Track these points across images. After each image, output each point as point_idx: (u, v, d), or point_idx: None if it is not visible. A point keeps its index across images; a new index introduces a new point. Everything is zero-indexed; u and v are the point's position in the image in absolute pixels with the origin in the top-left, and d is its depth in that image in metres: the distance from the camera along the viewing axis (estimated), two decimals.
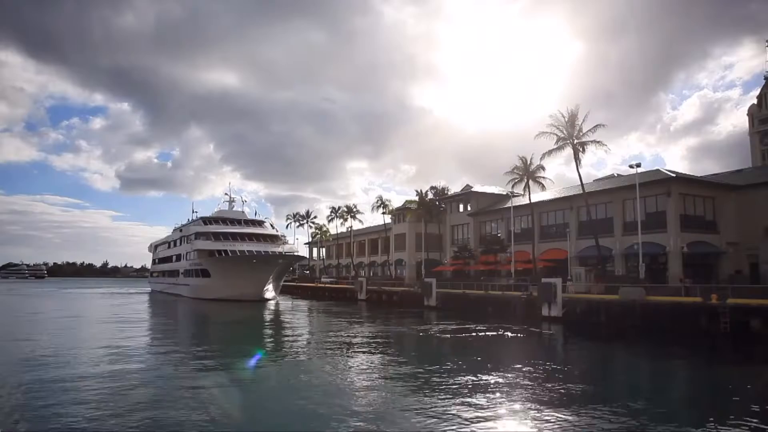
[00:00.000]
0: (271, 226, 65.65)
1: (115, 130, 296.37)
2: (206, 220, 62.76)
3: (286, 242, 65.54)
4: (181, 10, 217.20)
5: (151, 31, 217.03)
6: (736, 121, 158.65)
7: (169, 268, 74.86)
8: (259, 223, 63.93)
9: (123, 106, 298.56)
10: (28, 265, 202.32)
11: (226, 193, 69.61)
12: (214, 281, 55.16)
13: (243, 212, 66.31)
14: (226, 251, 55.50)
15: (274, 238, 61.81)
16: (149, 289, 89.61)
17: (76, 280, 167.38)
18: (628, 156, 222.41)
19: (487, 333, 26.99)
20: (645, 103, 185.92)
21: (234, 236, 58.56)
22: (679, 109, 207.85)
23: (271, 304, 52.13)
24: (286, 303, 57.21)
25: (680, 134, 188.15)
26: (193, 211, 73.08)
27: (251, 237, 59.63)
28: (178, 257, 69.43)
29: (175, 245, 73.16)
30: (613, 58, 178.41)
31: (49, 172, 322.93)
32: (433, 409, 11.82)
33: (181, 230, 70.94)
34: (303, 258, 73.52)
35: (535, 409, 11.91)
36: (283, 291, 79.39)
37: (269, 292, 55.79)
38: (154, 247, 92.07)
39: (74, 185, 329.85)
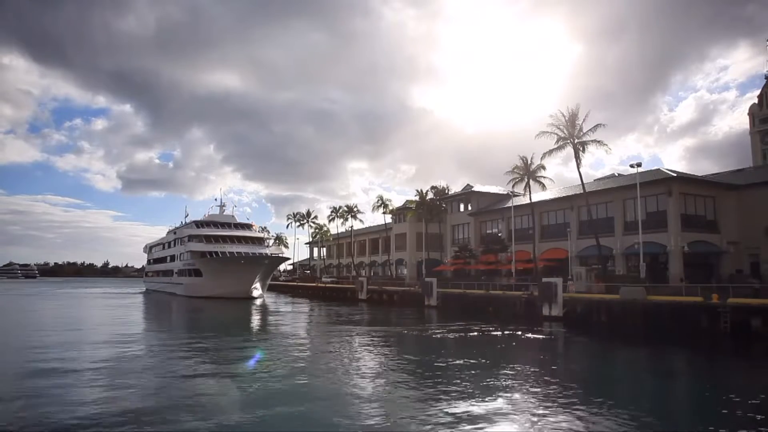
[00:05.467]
0: (263, 229, 70.64)
1: (117, 131, 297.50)
2: (198, 224, 66.58)
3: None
4: (181, 13, 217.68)
5: (151, 33, 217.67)
6: (732, 122, 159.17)
7: (163, 268, 78.50)
8: (248, 227, 68.54)
9: (125, 107, 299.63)
10: (20, 265, 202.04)
11: (216, 198, 73.28)
12: (206, 280, 58.90)
13: (233, 216, 70.81)
14: (216, 252, 59.62)
15: (260, 241, 66.51)
16: (144, 288, 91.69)
17: (74, 280, 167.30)
18: (626, 156, 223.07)
19: (488, 333, 26.98)
20: (643, 104, 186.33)
21: (224, 239, 63.01)
22: (676, 111, 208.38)
23: (258, 302, 54.91)
24: (286, 303, 57.63)
25: (677, 135, 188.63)
26: (186, 214, 76.15)
27: (240, 239, 64.02)
28: (172, 258, 73.23)
29: (169, 247, 77.32)
30: (611, 59, 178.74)
31: (51, 172, 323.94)
32: (433, 409, 11.82)
33: (174, 233, 74.91)
34: (287, 259, 79.01)
35: (535, 409, 11.91)
36: (284, 291, 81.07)
37: (257, 290, 59.39)
38: (149, 248, 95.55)
39: (76, 186, 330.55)
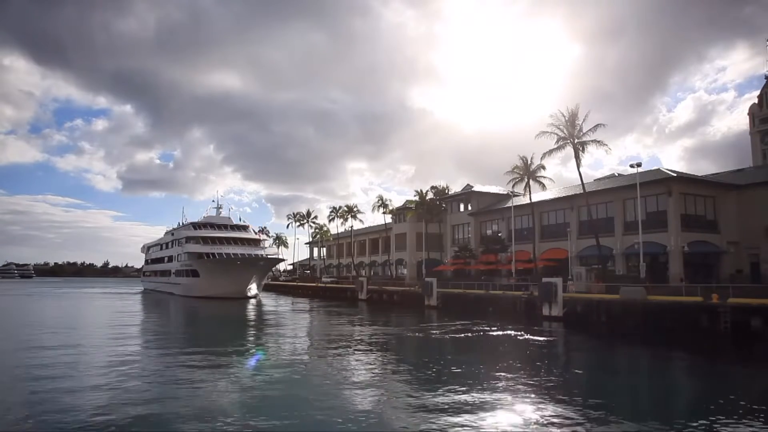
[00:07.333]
0: (262, 229, 72.97)
1: (117, 131, 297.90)
2: (196, 225, 68.06)
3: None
4: (181, 13, 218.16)
5: (152, 34, 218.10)
6: (730, 122, 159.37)
7: (161, 269, 79.74)
8: (244, 228, 69.93)
9: (125, 108, 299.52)
10: (17, 265, 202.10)
11: (213, 200, 74.00)
12: (203, 281, 60.09)
13: (229, 218, 72.10)
14: (213, 254, 61.04)
15: (256, 242, 68.02)
16: (142, 288, 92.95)
17: (74, 280, 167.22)
18: (625, 157, 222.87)
19: (488, 333, 27.00)
20: (641, 104, 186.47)
21: (221, 240, 64.51)
22: (674, 111, 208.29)
23: (254, 301, 56.65)
24: (286, 303, 57.64)
25: (676, 135, 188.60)
26: (183, 216, 77.21)
27: (236, 241, 65.63)
28: (170, 258, 74.51)
29: (167, 247, 78.85)
30: (610, 60, 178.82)
31: (52, 173, 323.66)
32: (433, 409, 11.82)
33: (172, 234, 76.52)
34: (283, 260, 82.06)
35: (535, 409, 11.91)
36: (284, 291, 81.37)
37: (252, 290, 61.23)
38: (147, 249, 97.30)
39: (77, 186, 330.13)
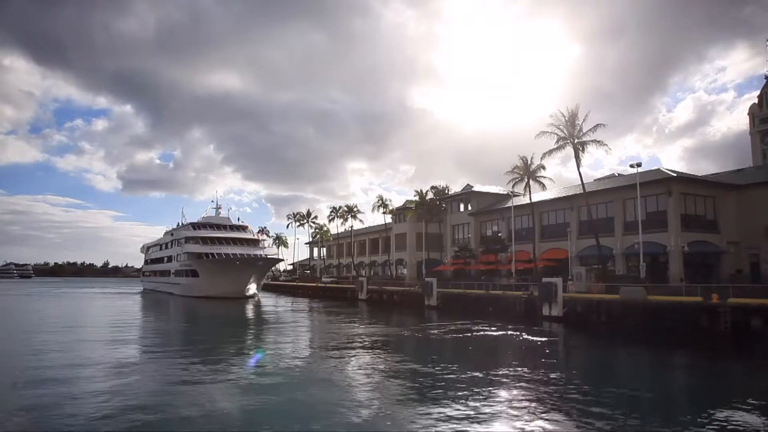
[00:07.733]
0: (262, 230, 73.50)
1: (117, 131, 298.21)
2: (195, 226, 68.44)
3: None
4: (181, 13, 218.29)
5: (152, 34, 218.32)
6: (730, 122, 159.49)
7: (160, 269, 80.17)
8: (243, 228, 70.45)
9: (126, 108, 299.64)
10: (17, 265, 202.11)
11: (212, 200, 74.45)
12: (202, 281, 60.49)
13: (228, 218, 72.59)
14: (213, 254, 61.19)
15: (255, 242, 68.80)
16: (141, 288, 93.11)
17: (73, 280, 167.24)
18: (625, 157, 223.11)
19: (488, 333, 26.99)
20: (641, 104, 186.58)
21: (220, 240, 64.86)
22: (674, 111, 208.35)
23: (253, 301, 57.32)
24: (286, 303, 57.69)
25: (676, 136, 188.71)
26: (182, 216, 77.62)
27: (235, 241, 66.02)
28: (169, 258, 74.97)
29: (166, 247, 79.28)
30: (610, 60, 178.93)
31: (52, 173, 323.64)
32: (433, 409, 11.82)
33: (172, 234, 77.10)
34: (282, 260, 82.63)
35: (535, 410, 11.90)
36: (284, 291, 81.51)
37: (251, 290, 62.06)
38: (147, 249, 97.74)
39: (77, 186, 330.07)
